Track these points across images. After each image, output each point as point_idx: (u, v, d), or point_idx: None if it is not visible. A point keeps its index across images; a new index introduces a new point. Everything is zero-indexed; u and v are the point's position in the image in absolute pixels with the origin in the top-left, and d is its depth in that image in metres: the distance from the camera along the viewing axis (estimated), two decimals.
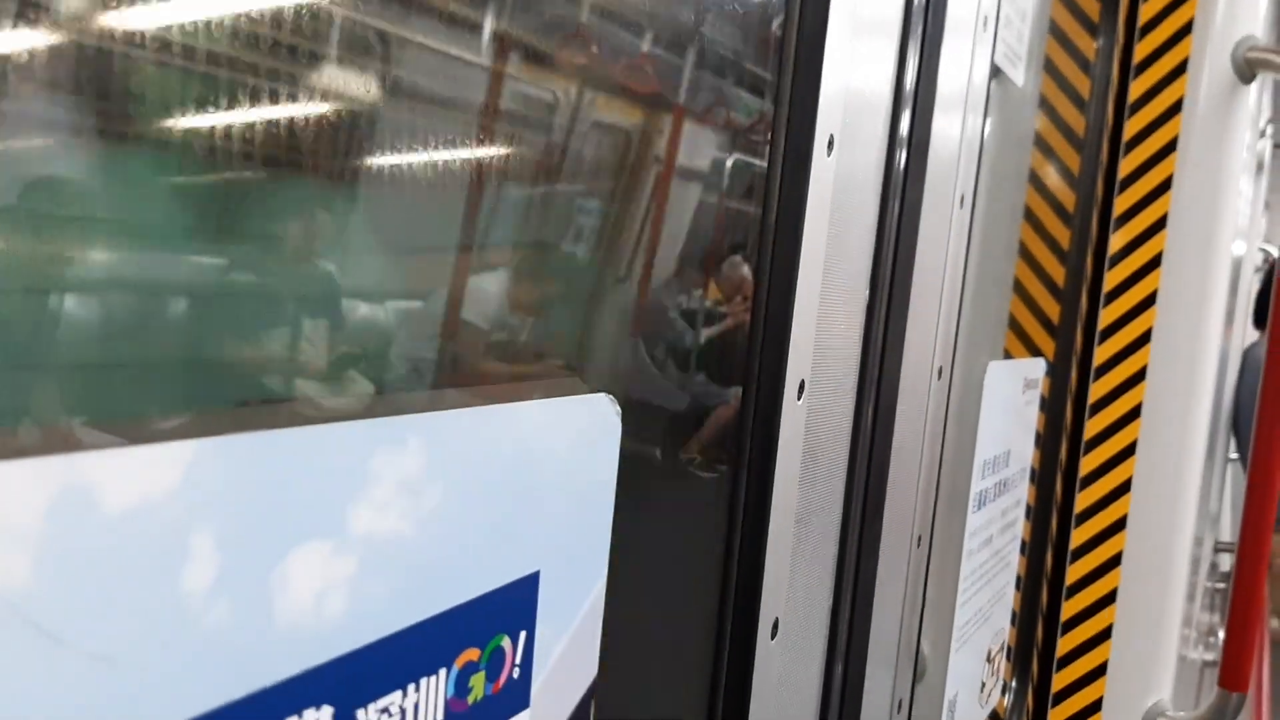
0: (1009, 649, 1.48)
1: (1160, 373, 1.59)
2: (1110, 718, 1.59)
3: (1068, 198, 1.64)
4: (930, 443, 0.91)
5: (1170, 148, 1.60)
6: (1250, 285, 4.06)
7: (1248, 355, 4.02)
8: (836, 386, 0.73)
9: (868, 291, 0.75)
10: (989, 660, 1.31)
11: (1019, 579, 1.55)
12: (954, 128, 0.87)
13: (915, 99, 0.79)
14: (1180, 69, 1.58)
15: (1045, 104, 1.62)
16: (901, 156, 0.77)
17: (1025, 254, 1.63)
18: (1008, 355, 1.61)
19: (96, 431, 0.27)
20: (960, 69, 0.87)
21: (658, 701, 0.65)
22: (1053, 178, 1.63)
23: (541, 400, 0.44)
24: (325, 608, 0.33)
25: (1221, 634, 3.64)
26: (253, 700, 0.31)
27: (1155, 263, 1.60)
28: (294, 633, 0.32)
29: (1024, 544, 1.56)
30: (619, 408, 0.48)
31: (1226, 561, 4.37)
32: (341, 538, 0.34)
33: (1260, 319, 4.05)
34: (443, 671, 0.39)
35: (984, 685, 1.29)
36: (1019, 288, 1.64)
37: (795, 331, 0.65)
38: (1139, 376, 1.61)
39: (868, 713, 0.84)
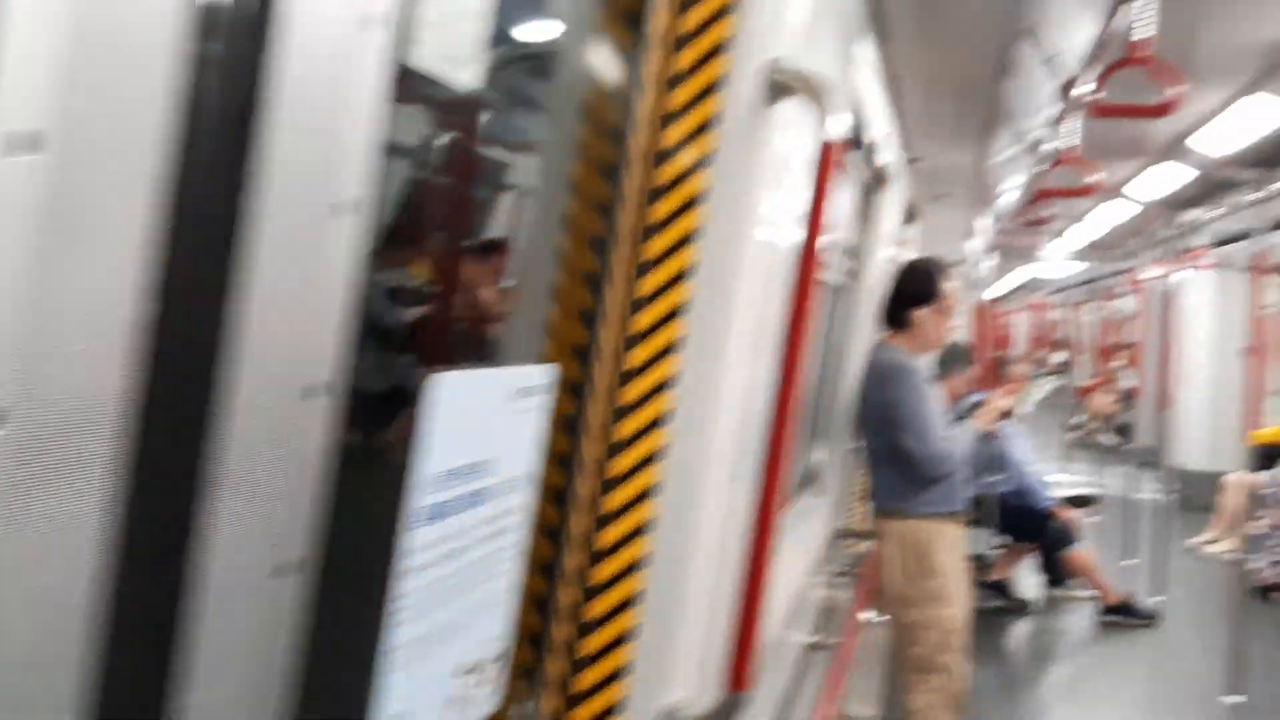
0: (518, 651, 1.47)
1: (687, 378, 1.62)
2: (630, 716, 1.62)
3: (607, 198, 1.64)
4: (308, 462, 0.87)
5: (705, 162, 1.63)
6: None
7: (872, 354, 4.29)
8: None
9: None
10: (467, 674, 1.30)
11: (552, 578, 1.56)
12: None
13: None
14: (715, 86, 1.61)
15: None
16: None
17: (563, 260, 1.63)
18: (541, 360, 1.61)
19: None
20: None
21: None
22: (594, 183, 1.63)
23: None
24: None
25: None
26: None
27: (688, 272, 1.63)
28: None
29: (553, 544, 1.57)
30: None
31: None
32: None
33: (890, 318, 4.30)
34: None
35: (456, 699, 1.27)
36: (557, 294, 1.63)
37: None
38: (669, 383, 1.64)
39: None
